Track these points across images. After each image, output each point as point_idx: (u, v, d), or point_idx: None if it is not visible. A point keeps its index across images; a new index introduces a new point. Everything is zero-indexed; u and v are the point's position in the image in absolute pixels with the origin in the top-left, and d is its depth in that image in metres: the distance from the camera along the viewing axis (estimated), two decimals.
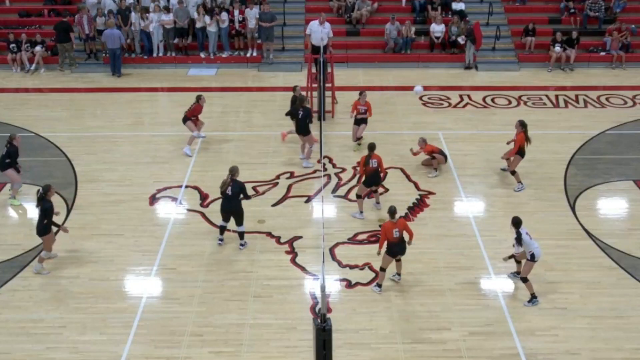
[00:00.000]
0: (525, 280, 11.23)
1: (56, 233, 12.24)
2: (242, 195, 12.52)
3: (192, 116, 16.22)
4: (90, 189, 14.86)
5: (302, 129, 15.55)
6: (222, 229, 12.92)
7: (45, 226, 11.78)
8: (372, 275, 12.07)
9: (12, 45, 22.01)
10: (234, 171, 12.46)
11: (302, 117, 15.45)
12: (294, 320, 11.02)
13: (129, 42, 22.49)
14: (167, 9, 21.99)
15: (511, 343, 10.55)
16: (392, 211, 11.40)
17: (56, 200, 14.38)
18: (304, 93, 16.97)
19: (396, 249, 11.43)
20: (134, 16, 21.88)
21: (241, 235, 12.82)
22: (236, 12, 22.12)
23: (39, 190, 11.87)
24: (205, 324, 10.96)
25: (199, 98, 16.27)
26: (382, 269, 11.61)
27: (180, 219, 13.84)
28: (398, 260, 11.72)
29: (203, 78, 21.60)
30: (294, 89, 16.67)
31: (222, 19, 21.91)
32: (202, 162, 16.06)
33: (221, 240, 12.93)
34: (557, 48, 22.09)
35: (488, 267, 12.29)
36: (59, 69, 22.06)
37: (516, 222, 11.15)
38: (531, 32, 22.62)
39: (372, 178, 13.60)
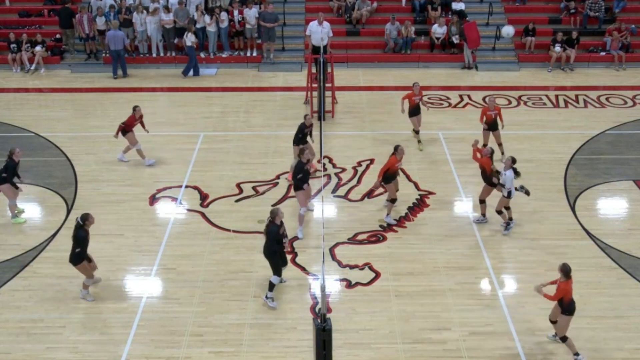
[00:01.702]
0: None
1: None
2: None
3: (128, 128, 15.39)
4: (90, 189, 14.85)
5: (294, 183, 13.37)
6: None
7: (78, 255, 11.09)
8: (372, 275, 12.07)
9: (12, 45, 22.03)
10: (273, 214, 11.08)
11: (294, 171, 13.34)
12: (294, 320, 11.02)
13: (133, 43, 22.47)
14: (167, 9, 22.00)
15: (511, 343, 10.55)
16: (568, 270, 9.87)
17: (56, 201, 14.50)
18: (310, 114, 15.97)
19: (574, 305, 10.05)
20: (135, 16, 21.87)
21: (270, 286, 11.29)
22: (236, 12, 22.14)
23: (77, 218, 11.25)
24: (205, 324, 10.96)
25: (134, 109, 15.58)
26: (566, 338, 10.17)
27: (180, 219, 13.84)
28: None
29: (203, 78, 21.61)
30: (304, 117, 15.05)
31: (222, 18, 21.91)
32: (202, 162, 16.06)
33: (282, 280, 11.71)
34: (557, 48, 22.10)
35: (488, 267, 12.29)
36: (70, 51, 22.47)
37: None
38: (531, 32, 22.62)
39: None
